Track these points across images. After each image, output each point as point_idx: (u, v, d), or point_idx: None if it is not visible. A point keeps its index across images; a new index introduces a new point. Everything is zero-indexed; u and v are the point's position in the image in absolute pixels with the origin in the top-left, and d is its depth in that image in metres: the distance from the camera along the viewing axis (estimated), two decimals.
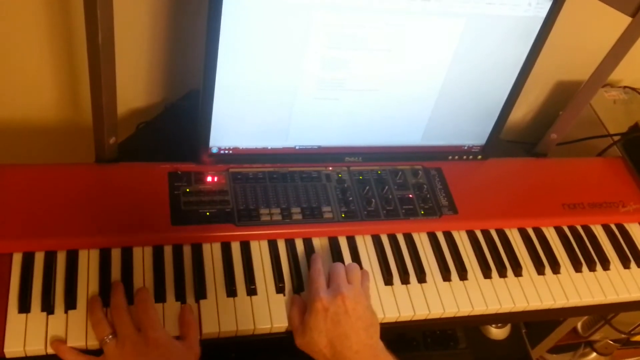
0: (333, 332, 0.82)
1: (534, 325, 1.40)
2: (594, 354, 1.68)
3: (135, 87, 1.15)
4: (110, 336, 0.79)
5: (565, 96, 1.43)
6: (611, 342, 1.62)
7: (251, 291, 0.89)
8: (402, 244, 0.99)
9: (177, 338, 0.82)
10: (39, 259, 0.85)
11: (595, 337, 1.57)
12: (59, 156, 1.19)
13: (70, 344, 0.79)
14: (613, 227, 1.12)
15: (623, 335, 1.48)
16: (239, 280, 0.89)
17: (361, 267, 0.94)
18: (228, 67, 0.87)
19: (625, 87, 1.45)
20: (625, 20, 0.99)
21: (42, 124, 1.13)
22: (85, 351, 0.80)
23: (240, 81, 0.90)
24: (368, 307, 0.86)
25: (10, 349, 0.77)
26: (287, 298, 0.90)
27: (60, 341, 0.79)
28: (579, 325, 1.53)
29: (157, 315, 0.83)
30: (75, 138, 1.15)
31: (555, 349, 1.60)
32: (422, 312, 0.93)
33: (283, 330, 0.88)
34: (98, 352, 0.80)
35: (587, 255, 1.06)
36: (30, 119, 1.12)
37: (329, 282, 0.89)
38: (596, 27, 1.28)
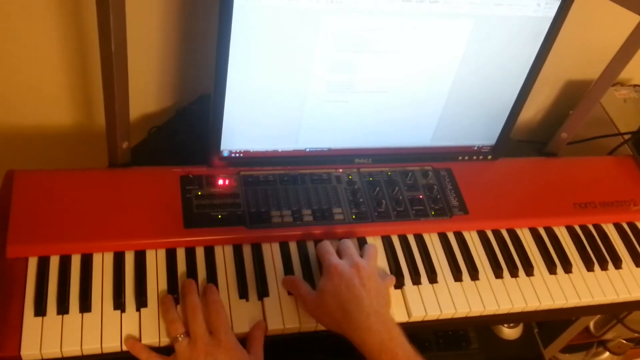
0: (346, 294, 0.82)
1: (546, 324, 1.40)
2: (607, 354, 1.67)
3: (147, 92, 1.16)
4: (182, 335, 0.80)
5: (575, 95, 1.42)
6: (624, 342, 1.62)
7: (263, 292, 0.89)
8: (413, 245, 1.00)
9: None
10: (54, 262, 0.86)
11: (608, 336, 1.56)
12: (73, 161, 1.20)
13: (85, 346, 0.80)
14: (625, 225, 1.12)
15: (636, 334, 1.48)
16: (251, 282, 0.90)
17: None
18: (239, 71, 0.88)
19: (635, 85, 1.44)
20: (635, 18, 0.99)
21: (56, 129, 1.14)
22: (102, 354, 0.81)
23: (250, 85, 0.91)
24: (380, 282, 0.87)
25: (26, 352, 0.78)
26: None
27: (134, 339, 0.81)
28: (591, 325, 1.53)
29: (228, 317, 0.85)
30: (89, 143, 1.17)
31: (568, 349, 1.60)
32: (433, 313, 0.93)
33: (296, 330, 0.88)
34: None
35: (598, 254, 1.06)
36: (44, 125, 1.13)
37: (340, 254, 0.90)
38: (605, 26, 1.28)
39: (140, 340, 0.82)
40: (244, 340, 0.85)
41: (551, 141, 1.21)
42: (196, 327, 0.81)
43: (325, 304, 0.83)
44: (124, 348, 0.81)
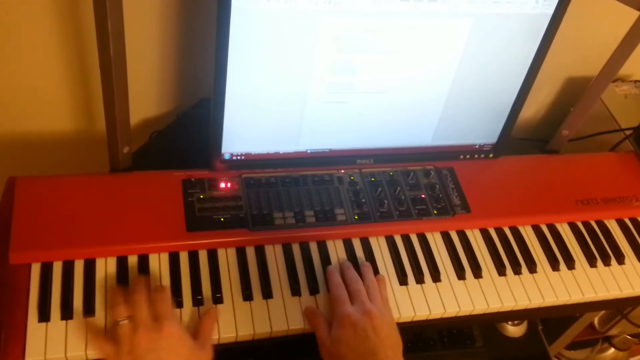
0: (361, 348, 0.82)
1: (550, 321, 1.40)
2: (612, 350, 1.67)
3: (147, 96, 1.17)
4: (125, 320, 0.79)
5: (576, 92, 1.42)
6: (629, 337, 1.61)
7: (267, 294, 0.90)
8: (416, 244, 1.00)
9: None
10: (57, 268, 0.86)
11: (613, 332, 1.56)
12: (75, 167, 1.20)
13: (89, 351, 0.80)
14: (627, 221, 1.12)
15: None
16: (255, 284, 0.90)
17: (376, 269, 0.95)
18: (238, 74, 0.88)
19: (636, 81, 1.44)
20: (634, 14, 0.99)
21: (57, 135, 1.15)
22: None
23: (250, 87, 0.91)
24: (393, 326, 0.86)
25: (31, 358, 0.78)
26: (303, 300, 0.90)
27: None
28: (595, 321, 1.52)
29: (173, 307, 0.84)
30: (90, 149, 1.17)
31: (573, 345, 1.60)
32: (437, 311, 0.93)
33: (300, 332, 0.88)
34: None
35: (601, 250, 1.06)
36: (45, 131, 1.13)
37: (350, 297, 0.88)
38: (605, 23, 1.27)
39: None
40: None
41: (553, 138, 1.21)
42: (139, 312, 0.80)
43: (340, 355, 0.82)
44: None
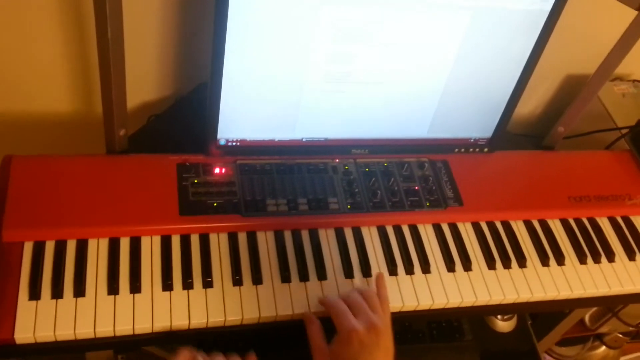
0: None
1: (540, 317, 1.40)
2: (603, 347, 1.68)
3: (146, 80, 1.17)
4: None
5: (575, 90, 1.42)
6: (620, 335, 1.62)
7: (257, 280, 0.90)
8: (407, 235, 1.00)
9: None
10: (50, 247, 0.87)
11: (604, 329, 1.57)
12: (73, 149, 1.20)
13: (78, 330, 0.81)
14: (619, 219, 1.12)
15: (631, 328, 1.48)
16: (245, 269, 0.91)
17: (366, 259, 0.96)
18: (235, 60, 0.88)
19: (635, 80, 1.44)
20: (635, 13, 0.99)
21: (56, 117, 1.15)
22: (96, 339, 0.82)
23: (247, 74, 0.91)
24: (391, 336, 0.84)
25: (20, 335, 0.79)
26: (292, 287, 0.91)
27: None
28: (586, 318, 1.53)
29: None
30: (89, 130, 1.17)
31: (564, 342, 1.61)
32: (426, 302, 0.94)
33: (288, 318, 0.89)
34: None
35: (592, 247, 1.06)
36: (44, 113, 1.14)
37: (351, 309, 0.85)
38: (605, 21, 1.27)
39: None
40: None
41: (548, 135, 1.22)
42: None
43: None
44: (117, 332, 0.82)
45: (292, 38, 0.89)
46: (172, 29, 1.10)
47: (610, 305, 1.41)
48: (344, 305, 0.85)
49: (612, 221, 1.12)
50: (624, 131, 1.26)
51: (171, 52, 1.14)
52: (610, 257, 1.06)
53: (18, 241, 0.87)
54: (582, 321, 1.53)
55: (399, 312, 0.94)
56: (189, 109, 1.15)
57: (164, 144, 1.06)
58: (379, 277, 0.93)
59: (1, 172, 0.92)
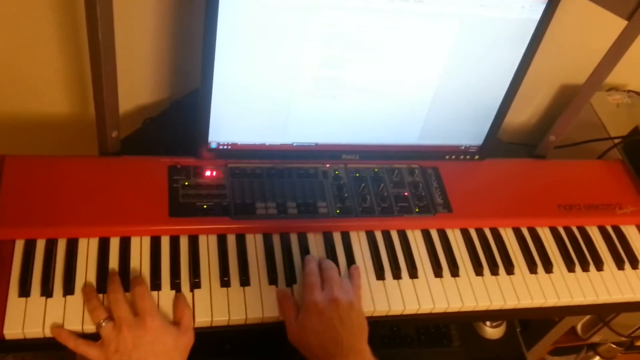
0: (326, 335, 0.83)
1: (530, 325, 1.40)
2: (597, 358, 1.67)
3: (142, 84, 1.19)
4: (105, 320, 0.82)
5: (569, 99, 1.43)
6: (614, 346, 1.62)
7: (244, 282, 0.91)
8: (396, 240, 1.01)
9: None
10: (40, 246, 0.88)
11: (596, 339, 1.56)
12: (67, 150, 1.22)
13: (67, 327, 0.82)
14: (609, 228, 1.12)
15: (623, 338, 1.48)
16: (233, 271, 0.92)
17: (354, 263, 0.96)
18: (225, 64, 0.90)
19: (629, 91, 1.45)
20: (624, 23, 1.00)
21: (51, 118, 1.17)
22: (83, 336, 0.83)
23: (238, 79, 0.92)
24: (359, 314, 0.88)
25: (9, 331, 0.80)
26: (279, 289, 0.92)
27: (59, 326, 0.82)
28: (578, 327, 1.53)
29: (153, 301, 0.86)
30: (83, 132, 1.19)
31: (557, 351, 1.61)
32: (412, 307, 0.94)
33: (274, 320, 0.90)
34: (96, 337, 0.83)
35: (580, 255, 1.07)
36: (39, 114, 1.15)
37: (323, 283, 0.90)
38: (599, 31, 1.28)
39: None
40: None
41: (540, 144, 1.22)
42: (119, 311, 0.82)
43: (306, 341, 0.84)
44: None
45: (282, 44, 0.90)
46: (168, 34, 1.12)
47: (598, 313, 1.41)
48: (316, 279, 0.90)
49: (602, 230, 1.12)
50: (617, 141, 1.27)
51: (167, 57, 1.16)
52: (599, 265, 1.06)
53: (9, 239, 0.88)
54: (574, 331, 1.53)
55: (386, 316, 0.95)
56: (184, 113, 1.16)
57: (157, 147, 1.07)
58: (355, 267, 0.95)
59: None
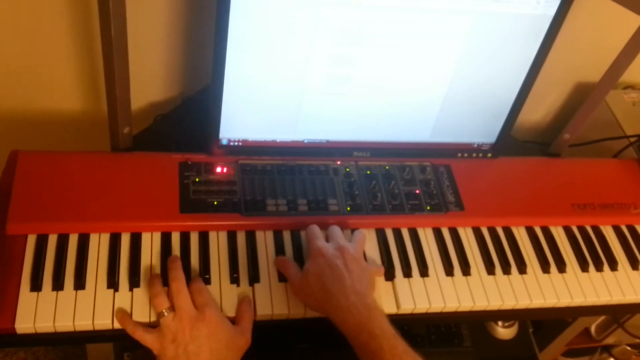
0: (329, 275, 0.84)
1: (544, 326, 1.39)
2: None
3: (154, 80, 1.19)
4: (167, 309, 0.82)
5: (584, 97, 1.41)
6: (628, 348, 1.60)
7: (254, 279, 0.91)
8: (407, 238, 1.01)
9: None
10: (52, 241, 0.89)
11: (610, 341, 1.55)
12: (80, 146, 1.22)
13: (77, 322, 0.82)
14: (623, 228, 1.11)
15: (638, 340, 1.46)
16: (243, 268, 0.92)
17: (365, 261, 0.96)
18: (236, 61, 0.90)
19: None
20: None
21: (64, 115, 1.17)
22: (95, 332, 0.83)
23: (248, 75, 0.92)
24: (365, 267, 0.89)
25: (21, 325, 0.81)
26: (289, 286, 0.91)
27: (124, 313, 0.84)
28: (592, 328, 1.51)
29: (212, 295, 0.87)
30: (96, 128, 1.19)
31: (570, 353, 1.59)
32: (423, 306, 0.94)
33: (284, 317, 0.90)
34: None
35: (594, 255, 1.05)
36: (52, 110, 1.16)
37: (327, 237, 0.92)
38: (615, 28, 1.26)
39: (131, 317, 0.84)
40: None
41: (554, 142, 1.21)
42: (181, 301, 0.83)
43: (308, 284, 0.85)
44: (115, 325, 0.84)
45: (293, 41, 0.90)
46: (180, 31, 1.12)
47: (612, 314, 1.39)
48: (319, 231, 0.93)
49: (616, 230, 1.11)
50: (632, 139, 1.25)
51: (179, 54, 1.16)
52: (613, 265, 1.05)
53: (22, 234, 0.88)
54: (588, 332, 1.52)
55: (396, 315, 0.94)
56: (195, 109, 1.17)
57: (169, 144, 1.08)
58: (359, 232, 0.97)
59: (7, 167, 0.94)
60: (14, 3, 0.97)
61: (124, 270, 0.88)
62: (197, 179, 0.98)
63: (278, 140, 1.02)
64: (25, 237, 0.89)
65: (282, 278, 0.92)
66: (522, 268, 1.01)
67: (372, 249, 0.98)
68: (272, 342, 1.03)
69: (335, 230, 0.93)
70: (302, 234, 0.97)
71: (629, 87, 1.45)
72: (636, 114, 1.34)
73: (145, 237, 0.92)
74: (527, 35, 0.96)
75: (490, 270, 1.00)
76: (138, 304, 0.86)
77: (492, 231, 1.05)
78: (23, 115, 1.15)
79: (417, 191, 1.05)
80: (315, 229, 0.93)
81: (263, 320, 0.89)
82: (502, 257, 1.01)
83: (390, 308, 0.93)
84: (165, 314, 0.82)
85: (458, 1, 0.90)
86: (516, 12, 0.93)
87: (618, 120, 1.32)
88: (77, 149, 0.99)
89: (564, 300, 0.99)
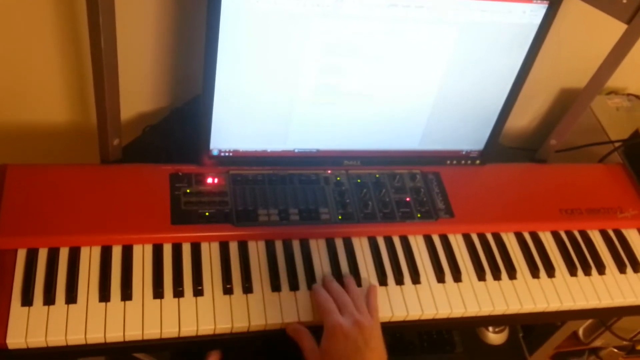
0: (351, 357, 0.82)
1: (533, 330, 1.40)
2: None
3: (142, 91, 1.19)
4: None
5: (570, 103, 1.43)
6: (615, 350, 1.62)
7: (247, 289, 0.91)
8: (398, 246, 1.01)
9: None
10: (43, 255, 0.88)
11: (598, 343, 1.56)
12: (68, 159, 1.22)
13: (70, 336, 0.82)
14: (610, 232, 1.13)
15: (625, 342, 1.48)
16: (236, 278, 0.92)
17: (357, 269, 0.96)
18: (227, 72, 0.90)
19: (629, 94, 1.45)
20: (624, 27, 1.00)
21: (53, 127, 1.17)
22: (87, 347, 0.83)
23: (239, 86, 0.93)
24: (380, 338, 0.87)
25: (12, 340, 0.80)
26: (282, 296, 0.92)
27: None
28: (580, 332, 1.53)
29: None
30: (85, 140, 1.19)
31: (559, 356, 1.60)
32: (415, 313, 0.94)
33: (277, 327, 0.90)
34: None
35: (582, 259, 1.07)
36: (41, 123, 1.16)
37: (340, 309, 0.88)
38: (599, 35, 1.28)
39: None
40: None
41: (541, 148, 1.22)
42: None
43: None
44: (108, 338, 0.83)
45: (283, 51, 0.90)
46: (169, 42, 1.12)
47: (600, 317, 1.41)
48: (332, 304, 0.88)
49: (604, 234, 1.12)
50: (617, 144, 1.27)
51: (167, 65, 1.16)
52: (601, 269, 1.06)
53: (11, 248, 0.88)
54: (576, 335, 1.53)
55: (389, 322, 0.95)
56: (184, 120, 1.16)
57: (158, 155, 1.07)
58: (372, 288, 0.94)
59: None
60: (1, 15, 0.96)
61: (115, 283, 0.88)
62: (188, 190, 0.98)
63: (269, 150, 1.03)
64: (15, 251, 0.88)
65: (275, 288, 0.92)
66: (512, 274, 1.02)
67: (365, 258, 0.99)
68: (264, 353, 1.03)
69: (344, 300, 0.89)
70: (295, 244, 0.98)
71: (613, 92, 1.47)
72: (620, 119, 1.36)
73: (137, 250, 0.92)
74: (513, 44, 0.97)
75: (481, 276, 1.00)
76: (130, 317, 0.85)
77: (482, 237, 1.06)
78: (9, 128, 1.14)
79: (408, 199, 1.05)
80: (329, 304, 0.88)
81: (258, 332, 0.89)
82: (492, 263, 1.02)
83: (383, 315, 0.93)
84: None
85: (445, 11, 0.91)
86: (503, 21, 0.94)
87: (603, 125, 1.34)
88: (66, 162, 0.99)
89: (553, 304, 1.00)
